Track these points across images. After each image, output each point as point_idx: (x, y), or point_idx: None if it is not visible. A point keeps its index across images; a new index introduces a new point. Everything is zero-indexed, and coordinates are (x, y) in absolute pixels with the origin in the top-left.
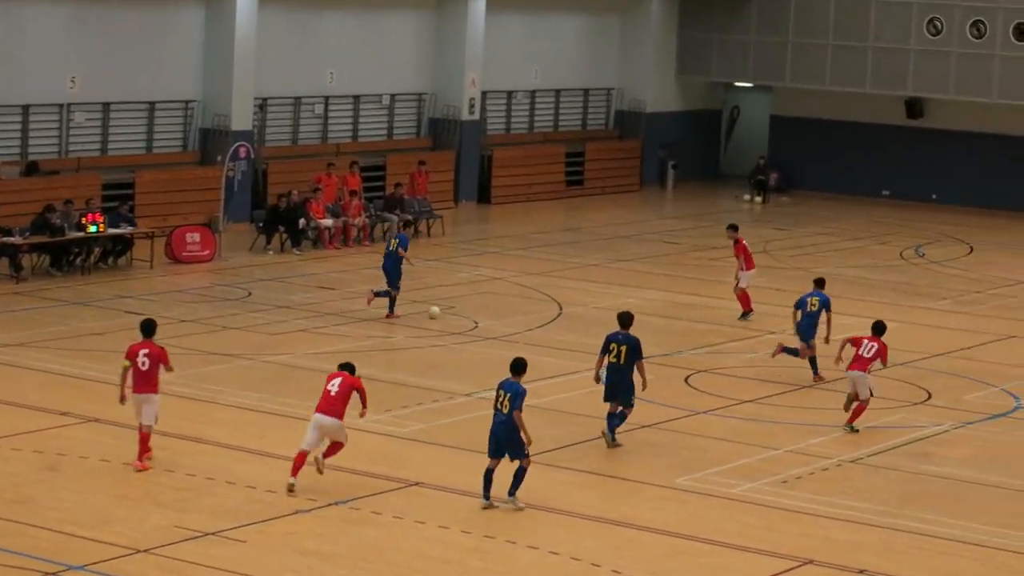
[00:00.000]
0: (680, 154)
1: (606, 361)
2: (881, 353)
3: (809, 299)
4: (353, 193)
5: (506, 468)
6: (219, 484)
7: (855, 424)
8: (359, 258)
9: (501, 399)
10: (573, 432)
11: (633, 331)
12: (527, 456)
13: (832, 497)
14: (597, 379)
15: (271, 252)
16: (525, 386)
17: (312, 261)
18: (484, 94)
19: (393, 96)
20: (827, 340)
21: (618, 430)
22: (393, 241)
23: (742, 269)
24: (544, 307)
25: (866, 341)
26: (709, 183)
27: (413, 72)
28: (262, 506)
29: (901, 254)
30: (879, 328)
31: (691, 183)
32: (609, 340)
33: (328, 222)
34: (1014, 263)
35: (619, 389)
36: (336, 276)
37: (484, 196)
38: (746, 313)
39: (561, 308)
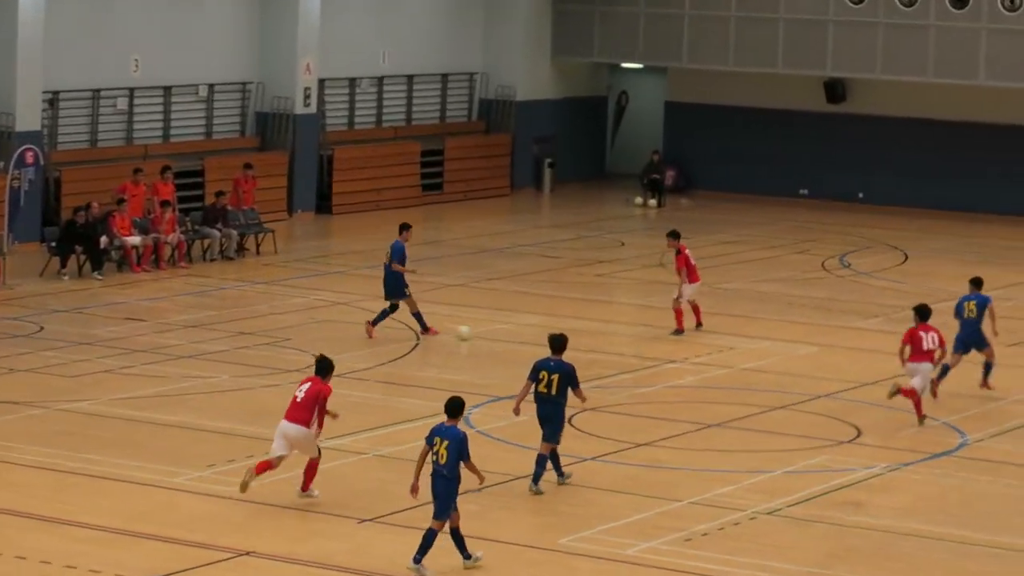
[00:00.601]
0: (558, 150)
1: (531, 392)
2: (941, 342)
3: (966, 304)
4: (165, 204)
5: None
6: (6, 560)
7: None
8: (174, 283)
9: (437, 448)
10: None
11: (505, 363)
12: (449, 519)
13: (744, 556)
14: (516, 411)
15: (67, 277)
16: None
17: (117, 287)
18: (322, 82)
19: (212, 87)
20: (995, 333)
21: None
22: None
23: (685, 282)
24: (398, 336)
25: (922, 333)
26: (593, 184)
27: (235, 57)
28: None
29: (823, 264)
30: (924, 312)
31: (572, 185)
32: (539, 367)
33: (136, 240)
34: (955, 272)
35: (547, 423)
36: (147, 305)
37: (324, 205)
38: (679, 331)
39: (419, 338)
